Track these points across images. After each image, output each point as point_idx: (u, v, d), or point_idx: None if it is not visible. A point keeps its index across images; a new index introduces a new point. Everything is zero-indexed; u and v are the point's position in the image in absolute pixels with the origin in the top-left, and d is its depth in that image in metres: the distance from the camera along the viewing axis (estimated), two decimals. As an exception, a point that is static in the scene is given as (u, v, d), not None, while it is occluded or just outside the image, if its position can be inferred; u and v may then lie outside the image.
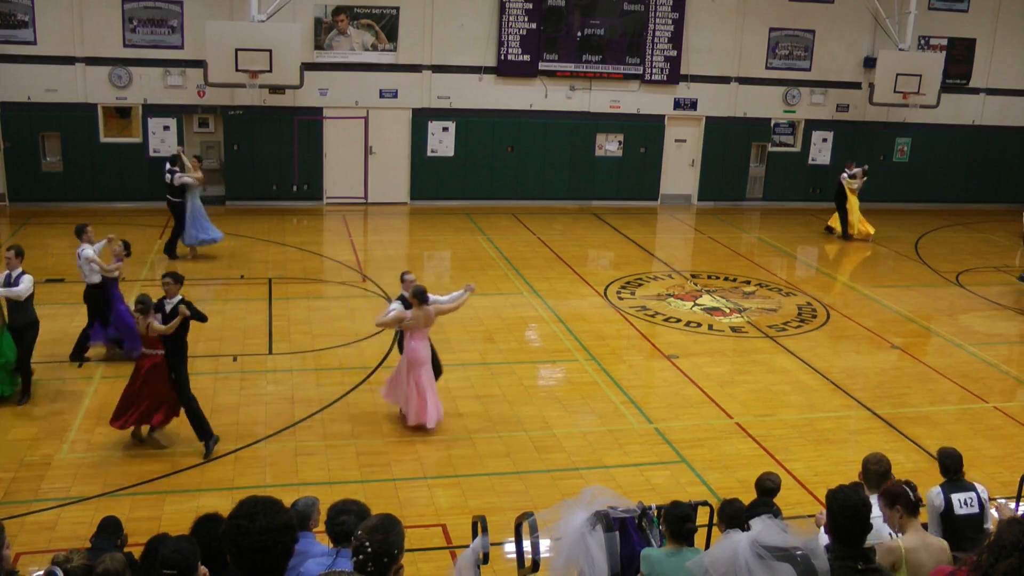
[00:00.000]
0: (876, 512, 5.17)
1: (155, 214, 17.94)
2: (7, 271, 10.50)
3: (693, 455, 9.99)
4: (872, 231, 20.20)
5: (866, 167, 20.68)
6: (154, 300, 9.56)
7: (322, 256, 17.51)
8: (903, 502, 5.30)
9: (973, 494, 6.53)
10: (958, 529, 6.25)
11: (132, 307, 10.04)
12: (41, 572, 5.19)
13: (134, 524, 7.60)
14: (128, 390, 9.48)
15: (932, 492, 6.56)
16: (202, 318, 9.67)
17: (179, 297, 9.54)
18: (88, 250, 11.55)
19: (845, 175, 20.27)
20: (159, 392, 9.41)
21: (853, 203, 20.15)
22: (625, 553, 5.56)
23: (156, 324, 9.34)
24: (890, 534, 5.53)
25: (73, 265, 15.84)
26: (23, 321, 10.49)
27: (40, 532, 7.99)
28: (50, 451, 9.42)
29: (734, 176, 23.30)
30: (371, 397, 11.09)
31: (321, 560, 4.84)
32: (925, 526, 6.08)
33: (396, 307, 10.12)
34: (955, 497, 6.49)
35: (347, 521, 4.78)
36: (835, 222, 20.41)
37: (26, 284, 10.38)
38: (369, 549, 3.64)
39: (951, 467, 6.71)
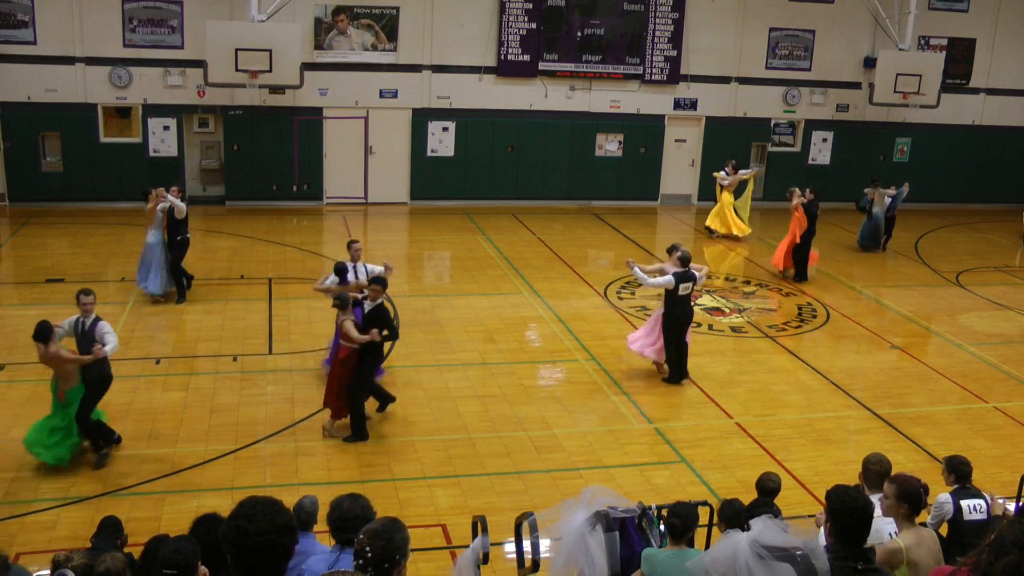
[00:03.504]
0: (876, 512, 5.17)
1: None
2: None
3: (693, 455, 9.99)
4: (743, 233, 19.86)
5: (734, 162, 20.35)
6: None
7: (322, 256, 17.51)
8: (911, 504, 5.28)
9: (982, 501, 6.51)
10: (965, 535, 6.22)
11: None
12: (46, 572, 5.19)
13: (134, 524, 7.60)
14: (330, 380, 10.06)
15: (941, 498, 6.54)
16: (394, 336, 9.94)
17: (380, 301, 9.94)
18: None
19: (722, 172, 20.14)
20: (339, 381, 9.92)
21: (723, 200, 19.90)
22: (625, 553, 5.56)
23: (350, 326, 9.69)
24: (890, 534, 5.53)
25: (73, 265, 15.91)
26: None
27: (40, 532, 7.99)
28: (50, 451, 9.40)
29: (734, 176, 23.31)
30: (371, 397, 11.08)
31: (324, 557, 4.84)
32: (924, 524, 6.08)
33: (667, 279, 11.59)
34: (964, 503, 6.47)
35: (356, 526, 4.73)
36: (713, 222, 20.04)
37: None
38: (370, 554, 3.64)
39: (967, 474, 6.69)
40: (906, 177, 22.85)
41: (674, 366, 11.90)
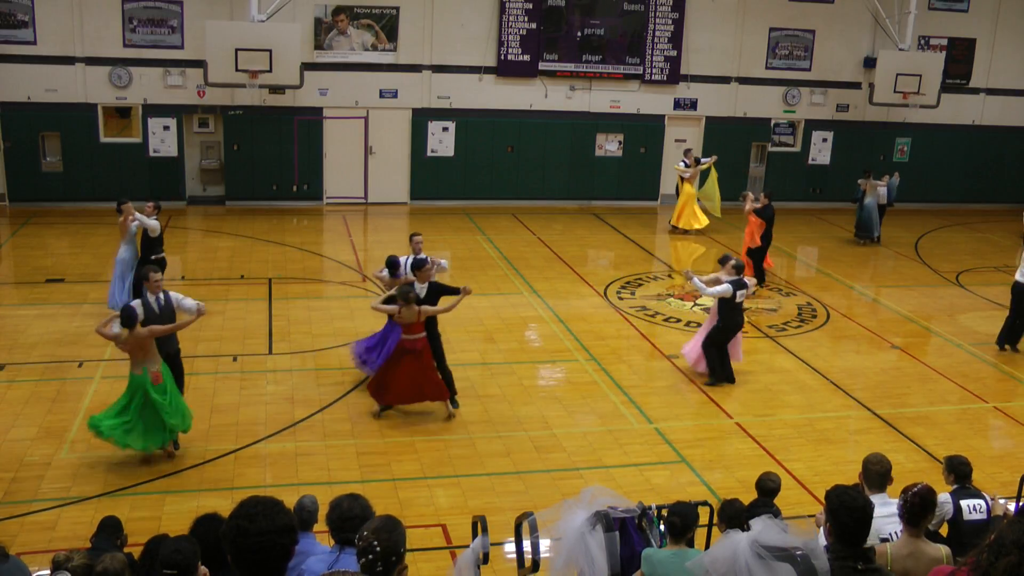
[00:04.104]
0: (876, 512, 5.15)
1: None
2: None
3: (693, 455, 9.99)
4: (700, 225, 20.06)
5: (692, 152, 20.44)
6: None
7: (322, 256, 17.52)
8: (903, 511, 5.25)
9: (982, 501, 6.51)
10: (965, 535, 6.21)
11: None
12: (46, 572, 5.19)
13: (134, 524, 7.60)
14: (397, 372, 10.21)
15: (941, 498, 6.52)
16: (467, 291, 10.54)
17: (427, 285, 10.45)
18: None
19: (681, 164, 20.27)
20: (431, 368, 10.38)
21: (685, 192, 20.08)
22: (625, 553, 5.56)
23: (429, 307, 10.20)
24: (891, 534, 5.52)
25: (73, 264, 15.92)
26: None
27: (40, 532, 7.99)
28: (50, 451, 9.41)
29: (734, 176, 23.28)
30: (371, 397, 11.08)
31: (323, 558, 4.84)
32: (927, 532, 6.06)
33: (725, 288, 11.62)
34: (964, 503, 6.46)
35: (356, 526, 4.76)
36: (682, 222, 20.30)
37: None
38: (378, 548, 3.73)
39: (967, 474, 6.69)
40: (906, 177, 22.96)
41: (720, 370, 11.98)
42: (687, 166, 20.09)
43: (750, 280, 12.06)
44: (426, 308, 10.21)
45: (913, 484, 5.35)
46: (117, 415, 8.94)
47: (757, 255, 16.50)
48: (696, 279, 11.87)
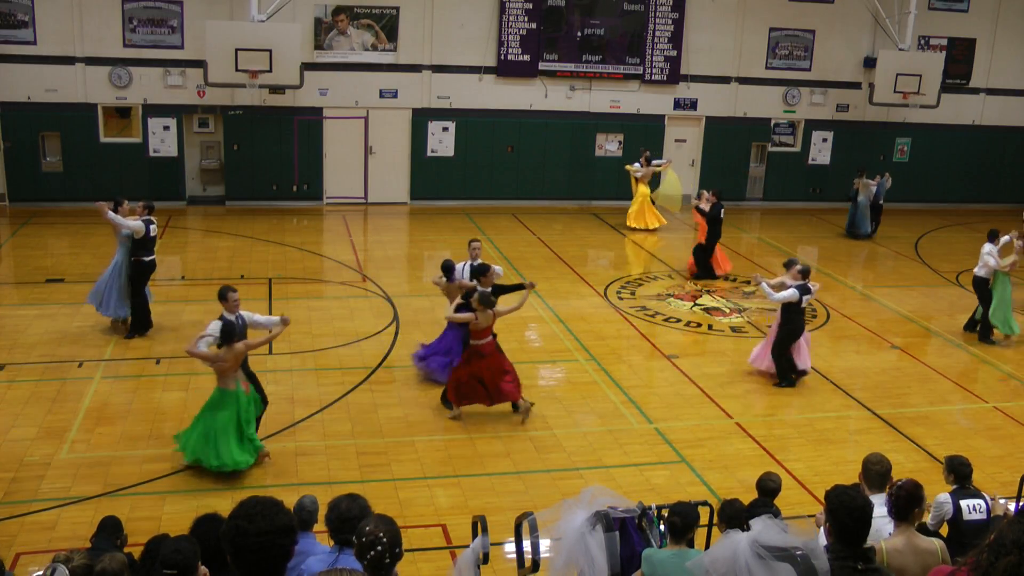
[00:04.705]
0: (876, 512, 5.15)
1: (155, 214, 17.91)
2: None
3: (693, 455, 9.99)
4: (648, 226, 20.27)
5: (647, 154, 20.44)
6: None
7: (322, 256, 17.51)
8: (890, 506, 5.25)
9: (982, 501, 6.51)
10: (964, 535, 6.21)
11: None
12: (41, 571, 5.19)
13: (134, 524, 7.60)
14: (472, 376, 10.27)
15: (940, 498, 6.53)
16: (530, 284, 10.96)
17: (491, 288, 10.59)
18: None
19: (636, 165, 20.38)
20: (507, 367, 10.47)
21: (639, 192, 20.28)
22: (625, 553, 5.56)
23: (502, 307, 10.29)
24: (890, 534, 5.52)
25: (73, 264, 15.92)
26: None
27: (40, 532, 7.99)
28: (50, 451, 9.41)
29: (734, 176, 23.31)
30: (371, 397, 11.10)
31: (323, 558, 4.84)
32: (923, 527, 6.07)
33: (792, 292, 11.66)
34: (964, 503, 6.47)
35: (355, 527, 4.77)
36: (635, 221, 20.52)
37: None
38: (384, 539, 3.82)
39: (967, 474, 6.69)
40: (906, 177, 23.00)
41: (788, 372, 11.98)
42: (640, 166, 20.18)
43: (814, 285, 11.95)
44: (499, 309, 10.29)
45: (899, 479, 5.37)
46: (220, 442, 8.81)
47: (702, 252, 16.68)
48: (765, 284, 11.76)
